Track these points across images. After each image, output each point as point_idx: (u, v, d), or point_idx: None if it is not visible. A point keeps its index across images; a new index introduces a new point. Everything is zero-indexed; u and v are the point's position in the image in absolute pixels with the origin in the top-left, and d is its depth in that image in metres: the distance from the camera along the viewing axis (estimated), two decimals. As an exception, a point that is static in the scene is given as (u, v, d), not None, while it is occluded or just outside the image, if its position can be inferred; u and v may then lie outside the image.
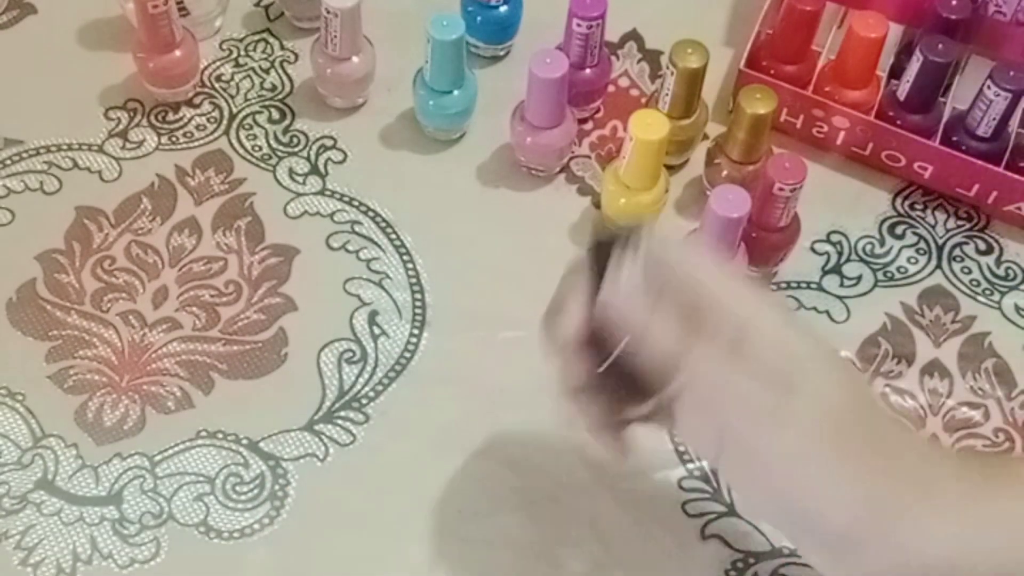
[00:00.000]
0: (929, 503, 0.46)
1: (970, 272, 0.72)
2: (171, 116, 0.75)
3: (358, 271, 0.69)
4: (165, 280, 0.68)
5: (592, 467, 0.62)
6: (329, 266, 0.69)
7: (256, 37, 0.78)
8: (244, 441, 0.63)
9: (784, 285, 0.70)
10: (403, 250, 0.70)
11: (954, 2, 0.72)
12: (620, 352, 0.47)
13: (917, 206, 0.74)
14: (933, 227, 0.73)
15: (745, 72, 0.73)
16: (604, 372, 0.48)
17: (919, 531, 0.46)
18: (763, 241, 0.68)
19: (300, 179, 0.73)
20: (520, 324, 0.67)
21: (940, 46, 0.69)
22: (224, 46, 0.78)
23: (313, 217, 0.71)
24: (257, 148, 0.74)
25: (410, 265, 0.70)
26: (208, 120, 0.75)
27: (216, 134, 0.74)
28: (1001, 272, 0.72)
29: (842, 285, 0.71)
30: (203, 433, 0.64)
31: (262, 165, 0.73)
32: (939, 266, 0.72)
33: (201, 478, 0.62)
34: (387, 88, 0.76)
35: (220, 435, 0.64)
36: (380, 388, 0.65)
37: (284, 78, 0.77)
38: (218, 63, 0.77)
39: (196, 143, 0.74)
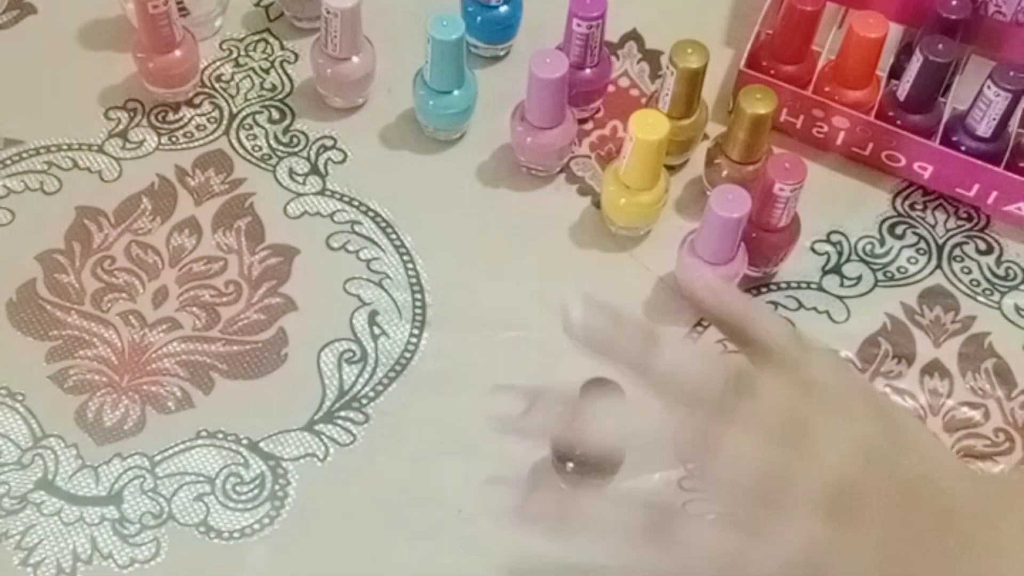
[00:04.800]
0: None
1: (970, 272, 0.72)
2: (171, 116, 0.74)
3: (358, 271, 0.69)
4: (165, 280, 0.68)
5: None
6: (329, 266, 0.69)
7: (256, 37, 0.78)
8: (244, 441, 0.63)
9: (784, 285, 0.70)
10: (403, 250, 0.70)
11: (954, 2, 0.72)
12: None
13: (917, 206, 0.74)
14: (933, 227, 0.73)
15: (745, 72, 0.73)
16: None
17: None
18: (763, 241, 0.68)
19: (300, 179, 0.73)
20: (520, 324, 0.67)
21: (940, 46, 0.69)
22: (224, 46, 0.78)
23: (313, 217, 0.71)
24: (257, 148, 0.74)
25: (410, 265, 0.70)
26: (208, 120, 0.75)
27: (216, 134, 0.74)
28: (1001, 272, 0.72)
29: (842, 285, 0.71)
30: (203, 433, 0.64)
31: (262, 165, 0.73)
32: (939, 266, 0.72)
33: (201, 478, 0.62)
34: (387, 88, 0.76)
35: (220, 435, 0.64)
36: (380, 388, 0.65)
37: (284, 78, 0.77)
38: (218, 63, 0.77)
39: (196, 143, 0.74)
